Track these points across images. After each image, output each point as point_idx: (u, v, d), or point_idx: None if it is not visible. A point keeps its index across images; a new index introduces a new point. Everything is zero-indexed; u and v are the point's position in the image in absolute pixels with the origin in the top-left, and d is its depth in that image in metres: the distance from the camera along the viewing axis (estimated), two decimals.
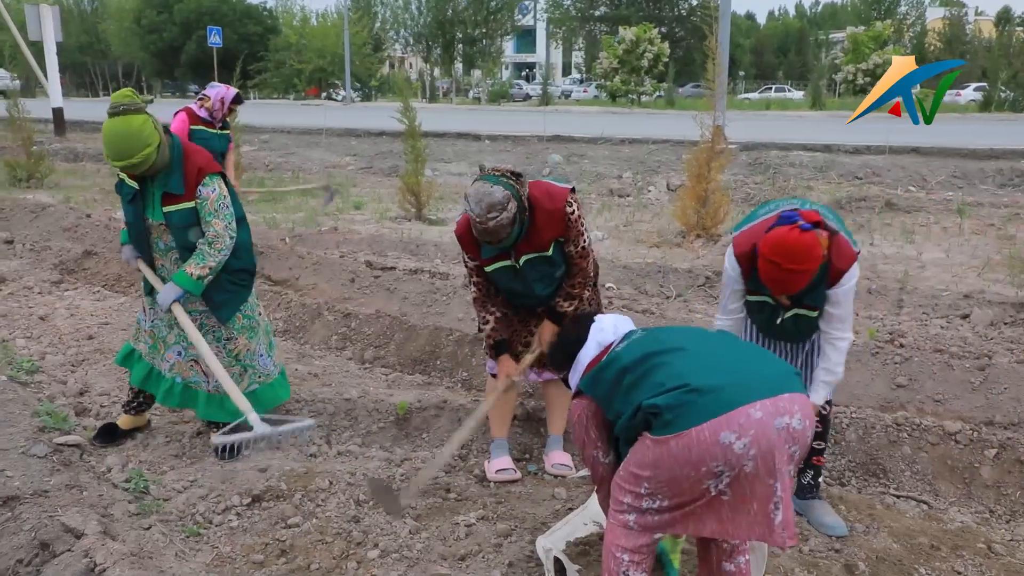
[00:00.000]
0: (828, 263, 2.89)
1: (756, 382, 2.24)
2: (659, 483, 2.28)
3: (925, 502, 3.60)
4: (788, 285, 2.81)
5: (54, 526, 2.97)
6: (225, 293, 3.73)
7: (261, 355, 3.94)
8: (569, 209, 3.40)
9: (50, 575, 2.76)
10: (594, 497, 3.38)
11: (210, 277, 3.63)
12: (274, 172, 14.19)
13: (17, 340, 5.32)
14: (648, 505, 2.34)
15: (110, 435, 3.92)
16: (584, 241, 3.49)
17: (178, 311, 3.64)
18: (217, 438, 3.51)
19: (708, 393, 2.19)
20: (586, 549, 3.07)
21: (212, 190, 3.59)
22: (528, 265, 3.47)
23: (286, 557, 3.06)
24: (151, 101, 3.61)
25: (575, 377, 2.66)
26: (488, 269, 3.52)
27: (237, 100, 6.82)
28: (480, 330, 3.70)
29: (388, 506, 3.22)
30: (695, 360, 2.34)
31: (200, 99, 6.75)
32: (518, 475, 3.77)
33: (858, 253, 3.00)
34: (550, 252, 3.44)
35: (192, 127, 6.58)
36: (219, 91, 6.75)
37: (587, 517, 3.21)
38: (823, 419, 3.24)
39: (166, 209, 3.56)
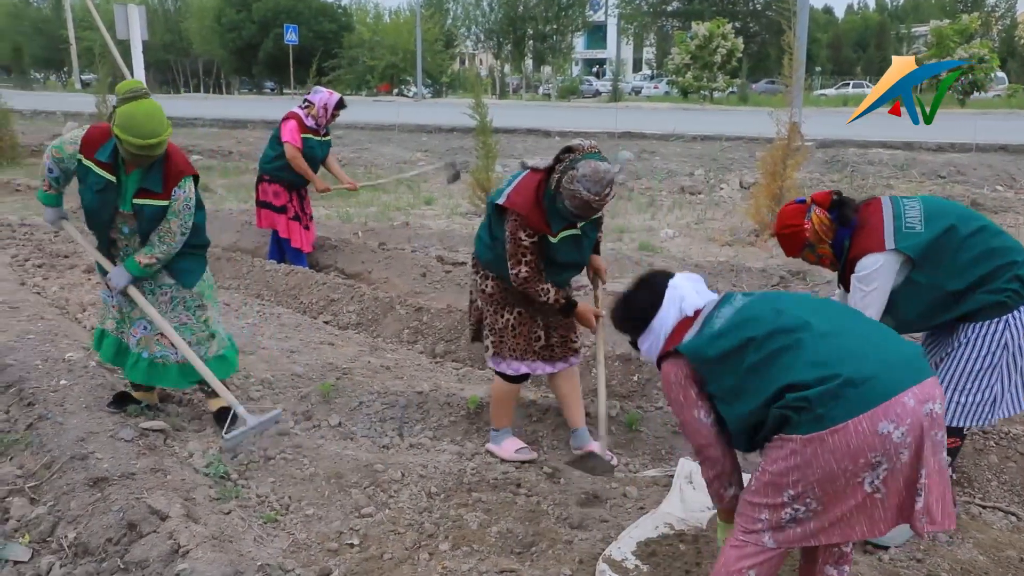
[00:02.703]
0: (846, 246, 3.16)
1: (903, 367, 2.17)
2: (808, 484, 2.15)
3: (1013, 513, 3.46)
4: (781, 245, 3.35)
5: (140, 508, 3.08)
6: (186, 261, 3.89)
7: (219, 321, 4.10)
8: None
9: (137, 554, 2.87)
10: (667, 499, 3.35)
11: (156, 267, 3.78)
12: (347, 167, 14.38)
13: (93, 333, 5.51)
14: (791, 515, 2.21)
15: (121, 402, 4.07)
16: None
17: (132, 292, 3.81)
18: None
19: (863, 384, 2.11)
20: (655, 550, 3.05)
21: (184, 191, 3.71)
22: (583, 230, 3.64)
23: (359, 546, 3.12)
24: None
25: (649, 343, 2.57)
26: (556, 240, 3.55)
27: (340, 105, 6.81)
28: (550, 301, 3.62)
29: (599, 467, 3.66)
30: (835, 343, 2.22)
31: (305, 106, 6.79)
32: (535, 454, 3.89)
33: (889, 249, 3.02)
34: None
35: (303, 136, 6.68)
36: (322, 97, 6.75)
37: (659, 520, 3.19)
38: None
39: (138, 202, 3.67)
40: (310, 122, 6.72)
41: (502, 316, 3.74)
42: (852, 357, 2.18)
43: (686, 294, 2.54)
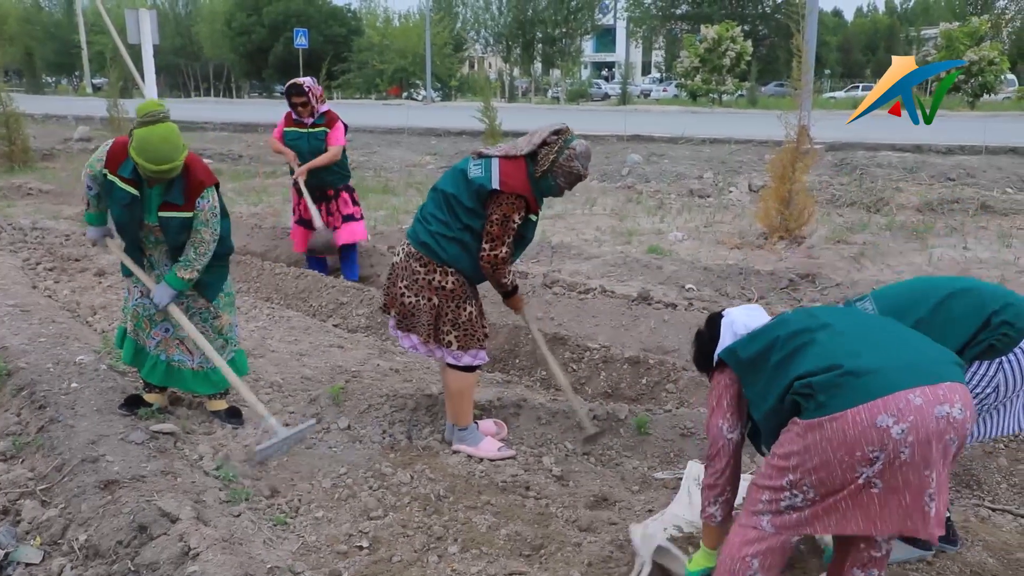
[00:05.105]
0: None
1: (916, 367, 2.16)
2: (806, 471, 2.19)
3: (1023, 516, 3.45)
4: None
5: (151, 510, 3.10)
6: (211, 275, 3.97)
7: (235, 325, 4.22)
8: None
9: (148, 556, 2.88)
10: (675, 501, 3.35)
11: (196, 277, 3.87)
12: (356, 171, 14.42)
13: (116, 331, 5.55)
14: (788, 502, 2.26)
15: (132, 405, 4.11)
16: None
17: (173, 309, 3.91)
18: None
19: (864, 375, 2.13)
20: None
21: (207, 202, 3.78)
22: None
23: (368, 549, 3.13)
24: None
25: None
26: (534, 219, 3.76)
27: (289, 91, 6.63)
28: (509, 285, 3.81)
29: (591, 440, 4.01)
30: (849, 340, 2.28)
31: None
32: (513, 451, 3.98)
33: None
34: None
35: (285, 129, 6.74)
36: None
37: (667, 521, 3.19)
38: None
39: (163, 215, 3.75)
40: (294, 115, 6.72)
41: (465, 310, 3.77)
42: (861, 353, 2.22)
43: (736, 318, 2.69)
